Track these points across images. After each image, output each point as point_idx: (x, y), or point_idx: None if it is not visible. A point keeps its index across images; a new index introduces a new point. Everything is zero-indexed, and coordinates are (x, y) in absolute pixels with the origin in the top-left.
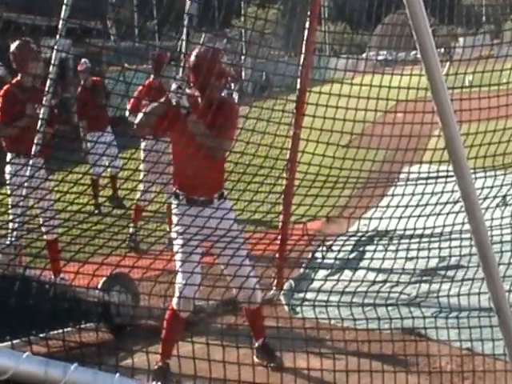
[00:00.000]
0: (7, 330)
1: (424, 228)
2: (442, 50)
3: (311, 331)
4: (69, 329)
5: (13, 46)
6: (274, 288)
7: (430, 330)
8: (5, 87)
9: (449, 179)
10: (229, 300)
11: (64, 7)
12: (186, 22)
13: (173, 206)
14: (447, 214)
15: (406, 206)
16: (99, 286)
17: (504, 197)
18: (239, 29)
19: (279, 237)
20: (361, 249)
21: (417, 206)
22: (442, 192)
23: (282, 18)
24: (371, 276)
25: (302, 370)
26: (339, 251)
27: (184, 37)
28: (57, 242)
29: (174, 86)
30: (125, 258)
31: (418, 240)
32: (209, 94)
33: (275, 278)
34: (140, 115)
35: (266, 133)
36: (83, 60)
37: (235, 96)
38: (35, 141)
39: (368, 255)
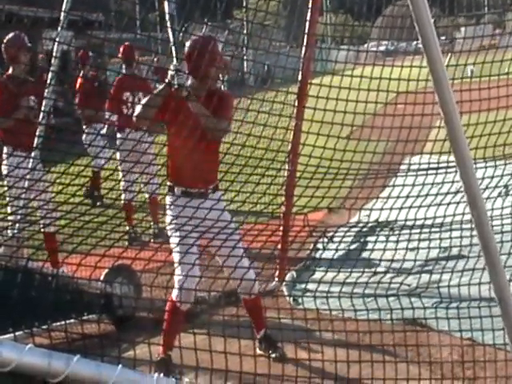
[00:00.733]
0: (10, 322)
1: (425, 218)
2: (444, 39)
3: (313, 322)
4: (71, 320)
5: (5, 39)
6: (276, 279)
7: (431, 321)
8: None
9: (450, 170)
10: (231, 291)
11: None
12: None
13: (167, 200)
14: (448, 204)
15: (407, 197)
16: (101, 277)
17: (505, 187)
18: (241, 21)
19: (281, 228)
20: (362, 240)
21: (417, 196)
22: (443, 182)
23: (284, 9)
24: (372, 267)
25: (304, 361)
26: (340, 242)
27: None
28: (54, 235)
29: (171, 71)
30: (127, 250)
31: (418, 231)
32: (204, 82)
33: (277, 269)
34: (139, 107)
35: (266, 125)
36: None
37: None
38: (37, 133)
39: (369, 246)
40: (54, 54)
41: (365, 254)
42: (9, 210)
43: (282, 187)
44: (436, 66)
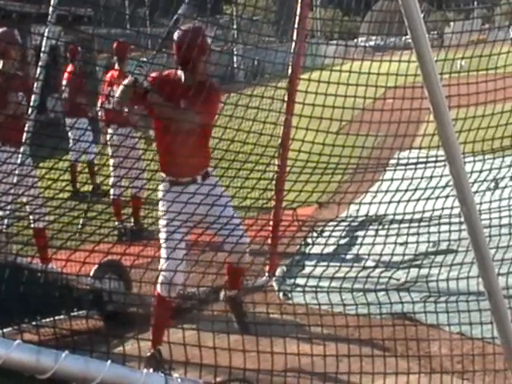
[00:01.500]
0: None
1: (414, 213)
2: (433, 33)
3: (302, 317)
4: (60, 316)
5: None
6: (267, 274)
7: (420, 315)
8: None
9: (439, 164)
10: (220, 287)
11: None
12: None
13: (159, 192)
14: (437, 198)
15: (397, 191)
16: (91, 273)
17: (494, 180)
18: (230, 15)
19: (271, 223)
20: (351, 234)
21: (406, 190)
22: (432, 177)
23: (273, 3)
24: (362, 261)
25: (293, 356)
26: (330, 236)
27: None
28: (44, 230)
29: (135, 68)
30: (115, 246)
31: (408, 225)
32: (193, 73)
33: (267, 264)
34: (118, 92)
35: (255, 120)
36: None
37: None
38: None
39: (359, 240)
40: (43, 48)
41: (354, 249)
42: None
43: (271, 182)
44: (425, 61)
